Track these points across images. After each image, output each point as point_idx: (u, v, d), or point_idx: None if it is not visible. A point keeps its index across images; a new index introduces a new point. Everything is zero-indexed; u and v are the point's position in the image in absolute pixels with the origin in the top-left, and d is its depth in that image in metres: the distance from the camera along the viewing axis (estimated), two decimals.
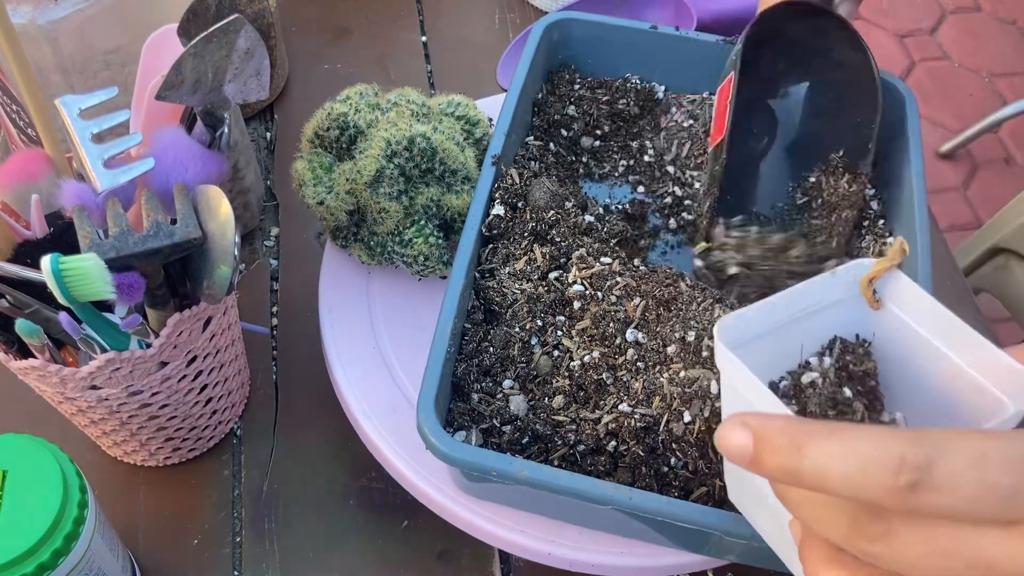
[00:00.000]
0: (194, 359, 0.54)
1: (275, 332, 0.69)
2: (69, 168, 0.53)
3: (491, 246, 0.57)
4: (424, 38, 0.90)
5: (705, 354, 0.50)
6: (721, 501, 0.47)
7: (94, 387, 0.51)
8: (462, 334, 0.53)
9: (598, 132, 0.66)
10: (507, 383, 0.52)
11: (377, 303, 0.63)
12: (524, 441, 0.49)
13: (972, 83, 2.02)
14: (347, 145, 0.61)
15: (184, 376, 0.54)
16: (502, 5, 0.92)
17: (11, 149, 0.58)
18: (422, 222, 0.60)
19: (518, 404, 0.51)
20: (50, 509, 0.45)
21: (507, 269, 0.55)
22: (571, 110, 0.66)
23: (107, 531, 0.51)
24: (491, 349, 0.53)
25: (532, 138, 0.64)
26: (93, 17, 0.64)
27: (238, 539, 0.60)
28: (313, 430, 0.64)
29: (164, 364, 0.52)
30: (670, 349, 0.51)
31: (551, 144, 0.64)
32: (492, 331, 0.54)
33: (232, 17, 0.50)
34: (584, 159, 0.65)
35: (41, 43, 0.63)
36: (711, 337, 0.50)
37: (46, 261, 0.43)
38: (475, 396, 0.52)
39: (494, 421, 0.50)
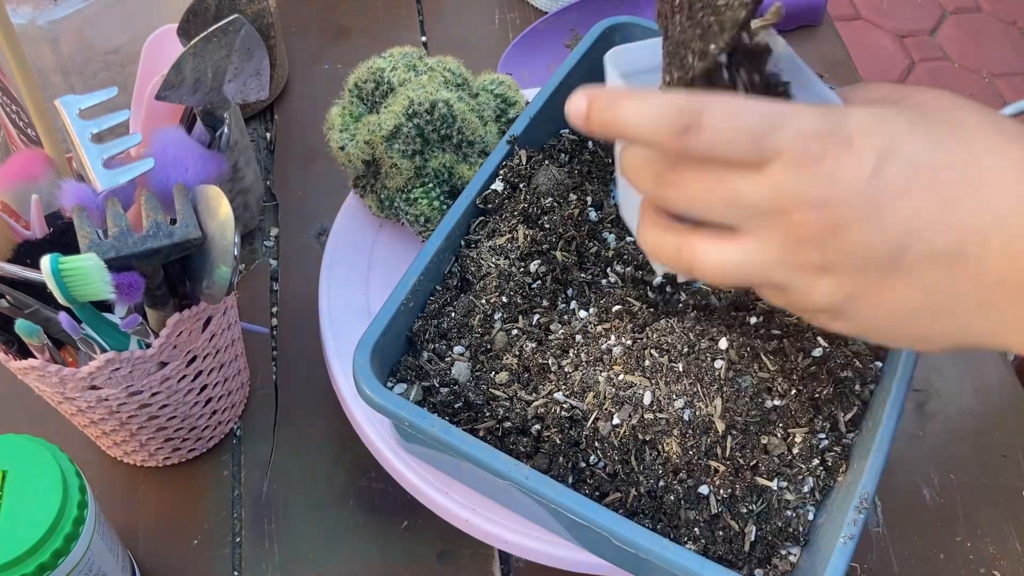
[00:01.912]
0: (194, 359, 0.54)
1: (275, 332, 0.69)
2: (69, 168, 0.53)
3: (482, 219, 0.57)
4: (424, 38, 0.90)
5: (647, 363, 0.50)
6: (632, 513, 0.48)
7: (94, 387, 0.51)
8: (430, 293, 0.54)
9: None
10: (458, 349, 0.53)
11: (376, 301, 0.63)
12: (457, 406, 0.50)
13: (972, 83, 2.02)
14: (380, 99, 0.64)
15: (184, 376, 0.54)
16: (502, 5, 0.92)
17: (11, 149, 0.58)
18: (430, 185, 0.62)
19: (460, 370, 0.52)
20: (50, 509, 0.45)
21: (489, 243, 0.56)
22: None
23: (107, 531, 0.51)
24: (453, 314, 0.54)
25: (568, 131, 0.64)
26: (93, 17, 0.64)
27: (238, 539, 0.60)
28: (313, 430, 0.64)
29: (164, 364, 0.52)
30: (616, 350, 0.51)
31: (589, 142, 0.64)
32: (460, 297, 0.54)
33: (232, 17, 0.50)
34: None
35: (41, 43, 0.63)
36: (656, 348, 0.51)
37: (46, 261, 0.43)
38: (425, 354, 0.53)
39: (434, 381, 0.51)
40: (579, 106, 0.37)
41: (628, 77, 0.41)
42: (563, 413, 0.50)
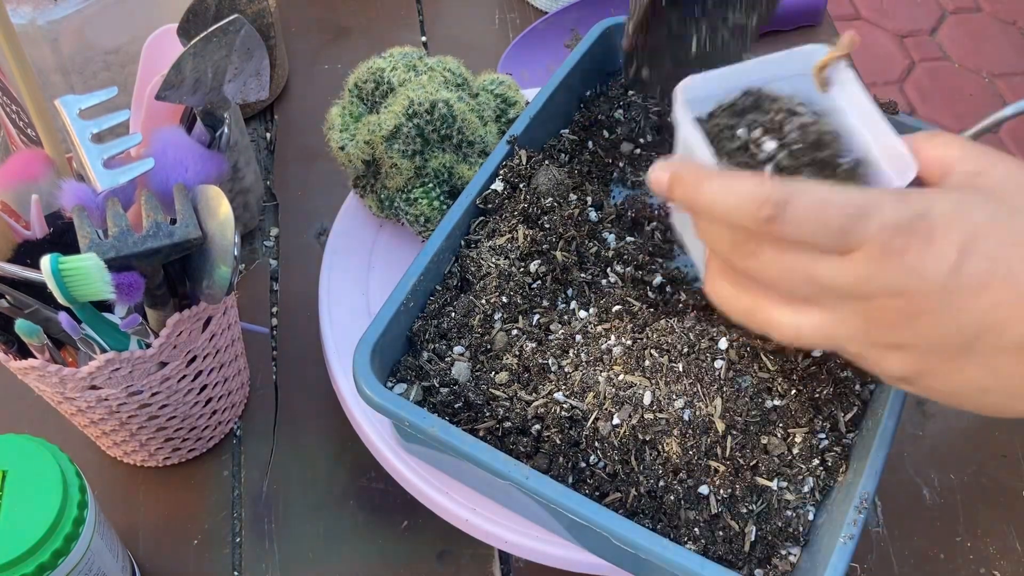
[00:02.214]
0: (194, 359, 0.54)
1: (275, 332, 0.69)
2: (69, 168, 0.53)
3: (482, 219, 0.58)
4: (424, 38, 0.90)
5: (647, 363, 0.50)
6: (632, 513, 0.48)
7: (94, 387, 0.51)
8: (430, 293, 0.54)
9: (641, 140, 0.65)
10: (458, 349, 0.53)
11: (376, 301, 0.63)
12: (457, 406, 0.50)
13: (972, 83, 2.02)
14: (380, 99, 0.64)
15: (184, 376, 0.54)
16: (502, 5, 0.92)
17: (11, 149, 0.58)
18: (430, 185, 0.62)
19: (460, 370, 0.52)
20: (50, 509, 0.45)
21: (489, 243, 0.56)
22: (618, 114, 0.65)
23: (107, 531, 0.51)
24: (453, 314, 0.54)
25: (568, 131, 0.64)
26: (93, 17, 0.64)
27: (238, 539, 0.60)
28: (313, 430, 0.64)
29: (164, 364, 0.52)
30: (616, 350, 0.51)
31: (589, 142, 0.64)
32: (460, 297, 0.55)
33: (232, 17, 0.50)
34: (621, 164, 0.65)
35: (41, 43, 0.63)
36: (656, 348, 0.51)
37: (46, 261, 0.43)
38: (425, 354, 0.53)
39: (434, 381, 0.51)
40: (661, 180, 0.39)
41: (695, 104, 0.43)
42: (563, 413, 0.50)
